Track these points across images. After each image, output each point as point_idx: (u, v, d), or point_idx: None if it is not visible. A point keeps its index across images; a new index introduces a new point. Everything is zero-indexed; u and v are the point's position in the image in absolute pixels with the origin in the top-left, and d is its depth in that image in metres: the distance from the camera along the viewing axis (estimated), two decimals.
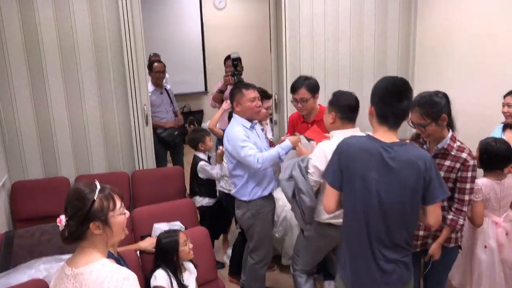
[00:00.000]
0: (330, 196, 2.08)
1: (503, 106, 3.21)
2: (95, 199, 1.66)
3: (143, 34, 3.93)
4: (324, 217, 2.62)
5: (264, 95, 3.64)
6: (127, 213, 1.79)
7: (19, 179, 3.76)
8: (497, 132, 3.18)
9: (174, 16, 7.45)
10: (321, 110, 3.33)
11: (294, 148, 2.94)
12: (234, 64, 4.32)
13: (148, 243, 2.73)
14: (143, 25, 3.94)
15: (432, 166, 1.93)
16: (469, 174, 2.32)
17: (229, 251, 3.97)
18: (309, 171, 2.57)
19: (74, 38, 3.75)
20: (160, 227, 3.11)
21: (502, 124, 3.23)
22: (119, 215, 1.73)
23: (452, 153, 2.35)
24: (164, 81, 5.16)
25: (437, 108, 2.29)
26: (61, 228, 1.66)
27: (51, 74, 3.74)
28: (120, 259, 2.33)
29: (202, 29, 7.67)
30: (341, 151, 2.01)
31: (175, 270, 2.53)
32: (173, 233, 2.65)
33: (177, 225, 3.19)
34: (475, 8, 3.91)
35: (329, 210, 2.10)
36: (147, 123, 4.07)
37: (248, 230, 3.17)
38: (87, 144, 3.97)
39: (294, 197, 2.62)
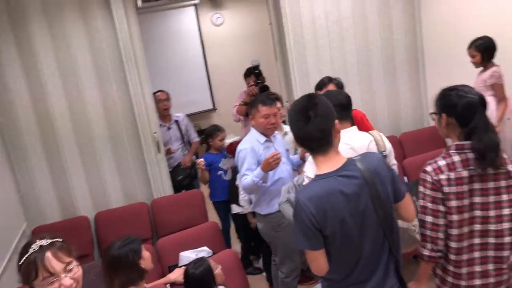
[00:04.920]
0: (316, 259, 1.72)
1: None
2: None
3: (143, 57, 3.88)
4: None
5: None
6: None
7: (38, 225, 3.67)
8: None
9: (173, 39, 7.41)
10: None
11: (266, 171, 2.70)
12: (255, 72, 4.14)
13: (178, 274, 2.63)
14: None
15: (386, 162, 1.84)
16: (420, 188, 1.91)
17: None
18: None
19: (78, 75, 3.71)
20: (186, 255, 3.03)
21: None
22: None
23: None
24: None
25: (442, 102, 1.89)
26: None
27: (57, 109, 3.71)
28: None
29: (202, 47, 7.62)
30: (304, 213, 1.66)
31: None
32: (202, 261, 2.55)
33: (204, 250, 3.08)
34: None
35: (322, 272, 1.75)
36: (159, 150, 3.99)
37: (271, 243, 3.06)
38: (102, 179, 3.90)
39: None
